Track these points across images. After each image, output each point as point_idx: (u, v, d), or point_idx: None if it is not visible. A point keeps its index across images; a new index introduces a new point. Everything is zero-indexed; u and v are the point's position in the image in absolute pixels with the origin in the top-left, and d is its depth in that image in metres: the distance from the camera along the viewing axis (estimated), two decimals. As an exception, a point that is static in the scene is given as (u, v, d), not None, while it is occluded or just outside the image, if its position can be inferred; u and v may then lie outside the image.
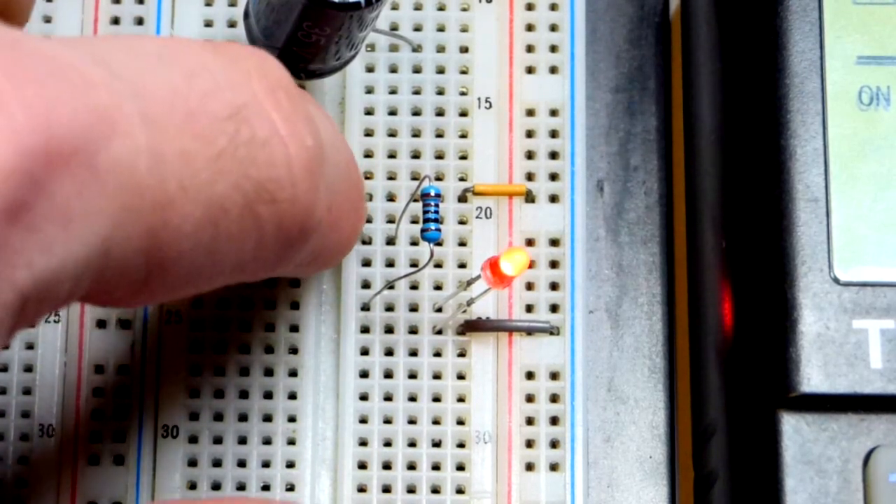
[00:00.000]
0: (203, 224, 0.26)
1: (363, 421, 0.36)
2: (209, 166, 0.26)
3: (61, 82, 0.24)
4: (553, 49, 0.38)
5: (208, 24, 0.38)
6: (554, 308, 0.37)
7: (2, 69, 0.23)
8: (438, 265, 0.37)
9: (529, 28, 0.38)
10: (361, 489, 0.36)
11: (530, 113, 0.38)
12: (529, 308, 0.37)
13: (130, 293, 0.26)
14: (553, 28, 0.38)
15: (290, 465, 0.36)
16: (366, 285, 0.37)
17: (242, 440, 0.36)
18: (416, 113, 0.38)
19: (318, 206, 0.28)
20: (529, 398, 0.36)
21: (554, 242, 0.37)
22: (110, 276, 0.25)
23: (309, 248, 0.29)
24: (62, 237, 0.24)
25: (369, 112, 0.37)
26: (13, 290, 0.23)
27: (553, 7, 0.38)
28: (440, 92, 0.38)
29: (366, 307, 0.37)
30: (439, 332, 0.36)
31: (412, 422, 0.36)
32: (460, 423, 0.36)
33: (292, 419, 0.36)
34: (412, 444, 0.36)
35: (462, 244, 0.37)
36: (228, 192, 0.26)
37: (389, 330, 0.37)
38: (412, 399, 0.36)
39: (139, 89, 0.25)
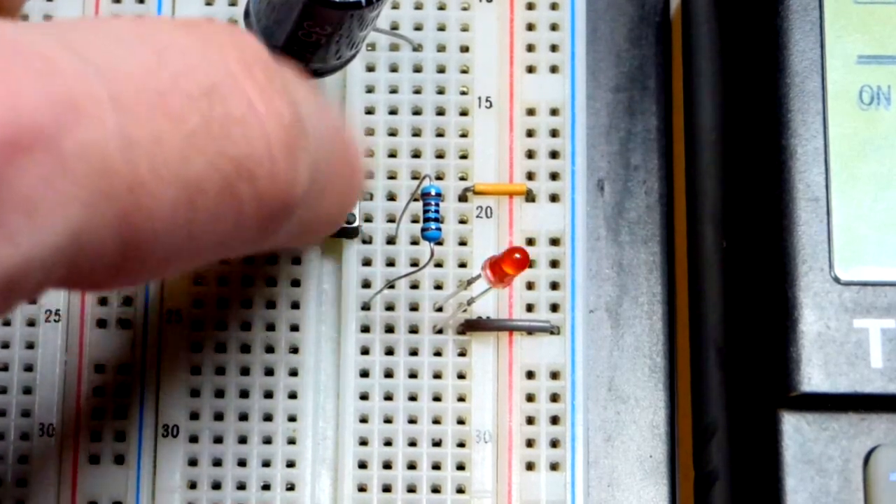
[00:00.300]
0: (179, 205, 0.25)
1: (363, 420, 0.36)
2: (181, 146, 0.25)
3: (24, 69, 0.23)
4: (553, 48, 0.38)
5: (208, 23, 0.38)
6: (554, 307, 0.37)
7: None
8: (439, 264, 0.37)
9: (530, 27, 0.38)
10: (362, 488, 0.36)
11: (531, 112, 0.38)
12: (530, 307, 0.37)
13: (108, 277, 0.26)
14: (553, 27, 0.38)
15: (291, 464, 0.36)
16: (366, 284, 0.37)
17: (243, 439, 0.36)
18: (417, 112, 0.38)
19: (298, 181, 0.28)
20: (530, 398, 0.36)
21: (554, 242, 0.37)
22: (84, 262, 0.25)
23: (294, 222, 0.29)
24: (27, 228, 0.23)
25: (370, 111, 0.37)
26: None
27: (553, 6, 0.38)
28: (440, 91, 0.38)
29: (366, 306, 0.37)
30: (440, 332, 0.36)
31: (412, 421, 0.36)
32: (460, 422, 0.36)
33: (292, 418, 0.36)
34: (412, 444, 0.36)
35: (462, 243, 0.37)
36: (205, 171, 0.26)
37: (390, 329, 0.36)
38: (412, 398, 0.36)
39: (108, 71, 0.25)
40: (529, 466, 0.36)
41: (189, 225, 0.26)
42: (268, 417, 0.36)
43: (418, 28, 0.38)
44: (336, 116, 0.31)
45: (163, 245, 0.26)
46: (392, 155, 0.37)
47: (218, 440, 0.36)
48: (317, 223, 0.31)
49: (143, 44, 0.26)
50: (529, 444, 0.36)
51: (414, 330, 0.36)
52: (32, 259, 0.24)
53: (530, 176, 0.37)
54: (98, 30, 0.26)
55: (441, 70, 0.38)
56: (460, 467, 0.36)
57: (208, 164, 0.26)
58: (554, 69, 0.38)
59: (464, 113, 0.38)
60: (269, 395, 0.36)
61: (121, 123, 0.24)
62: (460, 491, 0.36)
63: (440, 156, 0.37)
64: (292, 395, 0.36)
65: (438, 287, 0.37)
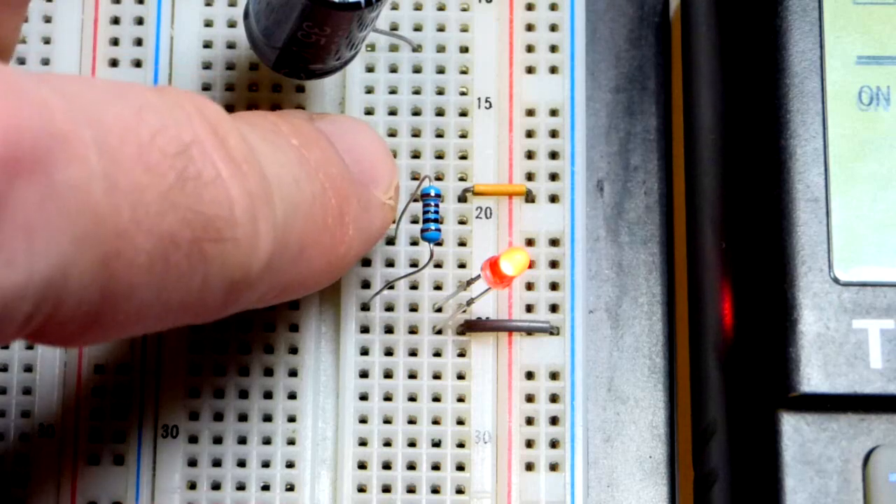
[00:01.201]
0: (155, 257, 0.27)
1: (363, 421, 0.36)
2: (160, 199, 0.26)
3: (24, 103, 0.24)
4: (553, 49, 0.38)
5: (208, 24, 0.38)
6: (554, 308, 0.37)
7: None
8: (438, 265, 0.37)
9: (529, 28, 0.38)
10: (361, 489, 0.36)
11: (530, 113, 0.38)
12: (529, 308, 0.37)
13: (82, 328, 0.27)
14: (553, 28, 0.38)
15: (290, 465, 0.36)
16: (366, 285, 0.37)
17: (242, 440, 0.36)
18: (416, 113, 0.38)
19: (260, 248, 0.29)
20: (529, 398, 0.36)
21: (554, 242, 0.37)
22: (67, 305, 0.26)
23: (261, 290, 0.30)
24: (25, 252, 0.24)
25: (369, 112, 0.37)
26: None
27: (553, 7, 0.38)
28: (440, 92, 0.38)
29: (366, 307, 0.37)
30: (439, 332, 0.36)
31: (412, 422, 0.36)
32: (460, 422, 0.36)
33: (292, 419, 0.36)
34: (412, 444, 0.36)
35: (462, 244, 0.37)
36: (178, 227, 0.27)
37: (389, 330, 0.37)
38: (412, 399, 0.36)
39: (94, 120, 0.26)
40: (529, 467, 0.36)
41: (161, 280, 0.27)
42: (267, 418, 0.36)
43: (418, 29, 0.38)
44: (330, 175, 0.32)
45: (136, 299, 0.27)
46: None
47: (217, 441, 0.36)
48: (296, 286, 0.31)
49: (122, 100, 0.27)
50: (529, 444, 0.36)
51: (413, 331, 0.36)
52: (27, 286, 0.24)
53: (530, 177, 0.37)
54: (82, 83, 0.27)
55: (440, 71, 0.38)
56: (460, 468, 0.36)
57: (181, 221, 0.27)
58: (553, 70, 0.38)
59: (463, 114, 0.38)
60: (268, 395, 0.36)
61: (105, 168, 0.25)
62: (460, 491, 0.36)
63: (440, 156, 0.37)
64: (292, 396, 0.36)
65: (438, 288, 0.37)
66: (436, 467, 0.36)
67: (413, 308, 0.37)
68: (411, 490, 0.36)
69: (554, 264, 0.37)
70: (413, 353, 0.36)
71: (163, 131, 0.27)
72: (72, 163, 0.25)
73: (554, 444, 0.36)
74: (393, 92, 0.38)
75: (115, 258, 0.26)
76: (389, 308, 0.37)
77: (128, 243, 0.26)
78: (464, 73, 0.38)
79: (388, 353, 0.36)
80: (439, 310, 0.36)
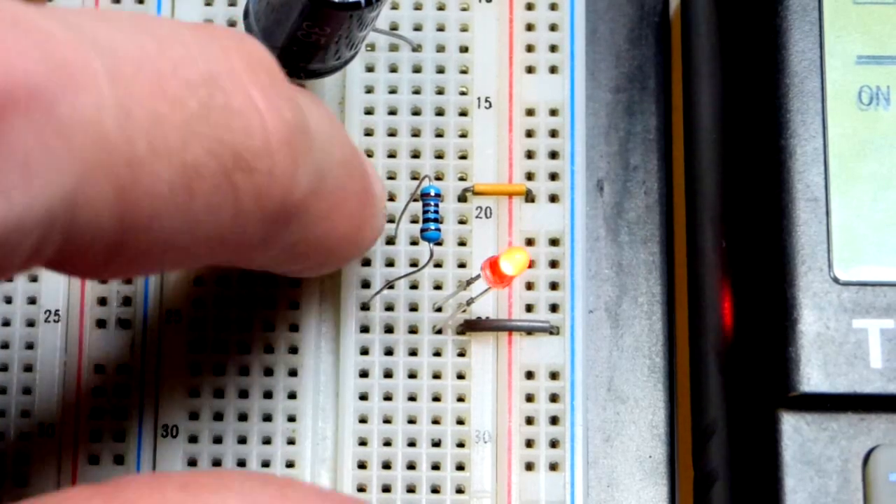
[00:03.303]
0: (176, 186, 0.26)
1: (363, 420, 0.36)
2: (180, 129, 0.26)
3: (22, 37, 0.24)
4: (553, 49, 0.38)
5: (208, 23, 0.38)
6: (554, 308, 0.37)
7: None
8: (438, 265, 0.37)
9: (529, 28, 0.38)
10: (361, 489, 0.36)
11: (530, 112, 0.38)
12: (529, 308, 0.37)
13: (105, 257, 0.26)
14: (553, 28, 0.38)
15: (290, 464, 0.36)
16: (366, 285, 0.37)
17: (242, 440, 0.36)
18: (416, 112, 0.38)
19: (299, 182, 0.28)
20: (529, 398, 0.36)
21: (554, 242, 0.37)
22: (81, 234, 0.25)
23: (297, 233, 0.29)
24: (22, 185, 0.24)
25: (369, 112, 0.38)
26: None
27: (553, 7, 0.38)
28: (440, 91, 0.38)
29: (365, 307, 0.37)
30: (439, 332, 0.36)
31: (412, 421, 0.36)
32: (460, 422, 0.36)
33: (292, 419, 0.36)
34: (412, 444, 0.36)
35: (462, 244, 0.37)
36: (202, 157, 0.26)
37: (389, 329, 0.37)
38: (412, 399, 0.36)
39: (108, 50, 0.25)
40: (529, 467, 0.36)
41: (187, 210, 0.26)
42: (267, 418, 0.36)
43: (418, 28, 0.38)
44: (355, 150, 0.32)
45: (161, 228, 0.26)
46: (391, 155, 0.37)
47: (217, 440, 0.36)
48: (325, 246, 0.31)
49: (144, 32, 0.26)
50: (529, 444, 0.36)
51: (413, 330, 0.36)
52: (26, 218, 0.24)
53: (530, 176, 0.37)
54: (100, 16, 0.27)
55: (440, 70, 0.38)
56: (460, 467, 0.36)
57: (206, 151, 0.26)
58: (553, 69, 0.38)
59: (463, 113, 0.38)
60: (268, 395, 0.36)
61: (118, 97, 0.25)
62: (460, 491, 0.36)
63: (439, 156, 0.37)
64: (292, 396, 0.36)
65: (438, 287, 0.37)
66: (436, 467, 0.36)
67: (413, 308, 0.37)
68: (411, 490, 0.36)
69: (554, 264, 0.37)
70: (413, 353, 0.36)
71: (188, 62, 0.26)
72: (79, 95, 0.24)
73: (554, 444, 0.36)
74: (393, 91, 0.38)
75: (132, 187, 0.25)
76: (389, 308, 0.37)
77: (145, 172, 0.25)
78: (464, 72, 0.38)
79: (388, 352, 0.36)
80: (439, 309, 0.36)
